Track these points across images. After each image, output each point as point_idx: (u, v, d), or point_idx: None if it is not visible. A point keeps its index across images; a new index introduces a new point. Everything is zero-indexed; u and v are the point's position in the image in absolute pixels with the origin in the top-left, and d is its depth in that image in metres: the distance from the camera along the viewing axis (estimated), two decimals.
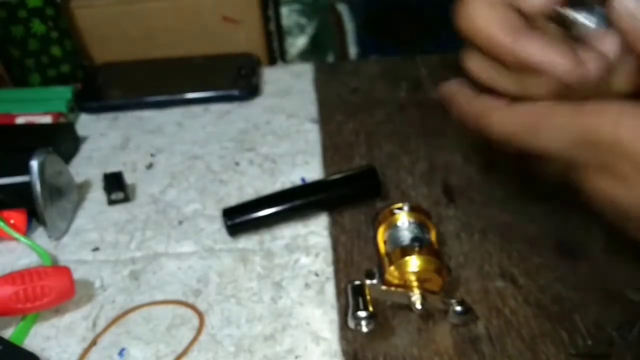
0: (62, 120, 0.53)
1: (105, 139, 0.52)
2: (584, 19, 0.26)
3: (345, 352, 0.32)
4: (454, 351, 0.32)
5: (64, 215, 0.42)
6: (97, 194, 0.46)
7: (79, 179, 0.47)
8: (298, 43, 0.67)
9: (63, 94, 0.55)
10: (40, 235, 0.42)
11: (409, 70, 0.59)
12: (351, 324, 0.33)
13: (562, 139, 0.26)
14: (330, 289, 0.36)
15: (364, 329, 0.33)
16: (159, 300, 0.36)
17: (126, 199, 0.44)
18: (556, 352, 0.31)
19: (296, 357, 0.32)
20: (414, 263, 0.32)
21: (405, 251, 0.33)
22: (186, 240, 0.41)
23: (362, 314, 0.32)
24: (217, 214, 0.42)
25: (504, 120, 0.29)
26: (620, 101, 0.25)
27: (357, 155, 0.48)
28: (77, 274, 0.38)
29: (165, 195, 0.45)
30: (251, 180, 0.46)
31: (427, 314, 0.33)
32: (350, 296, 0.34)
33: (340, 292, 0.36)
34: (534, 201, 0.41)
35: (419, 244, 0.33)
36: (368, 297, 0.33)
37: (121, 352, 0.33)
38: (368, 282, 0.34)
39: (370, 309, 0.32)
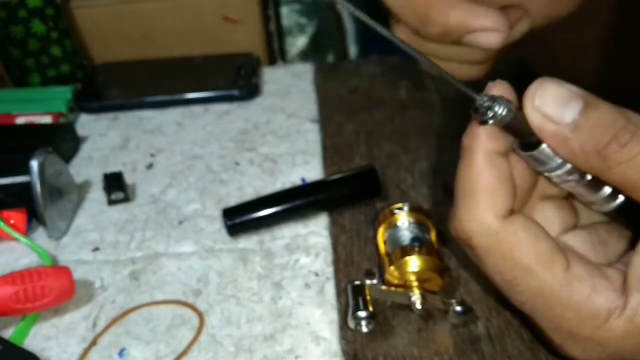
0: (62, 120, 0.53)
1: (105, 139, 0.52)
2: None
3: (345, 352, 0.32)
4: (454, 351, 0.32)
5: (64, 215, 0.42)
6: (97, 194, 0.46)
7: (79, 179, 0.47)
8: (298, 43, 0.67)
9: (63, 94, 0.55)
10: (40, 235, 0.42)
11: (409, 70, 0.59)
12: (351, 324, 0.33)
13: None
14: (330, 289, 0.36)
15: (364, 329, 0.33)
16: (159, 300, 0.36)
17: (126, 199, 0.44)
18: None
19: (296, 357, 0.32)
20: (414, 263, 0.32)
21: (405, 251, 0.33)
22: (186, 240, 0.41)
23: (362, 314, 0.32)
24: (217, 214, 0.42)
25: None
26: None
27: (357, 155, 0.48)
28: (77, 274, 0.38)
29: (165, 195, 0.45)
30: (251, 180, 0.46)
31: (427, 314, 0.33)
32: (350, 296, 0.34)
33: (340, 292, 0.36)
34: None
35: (419, 244, 0.33)
36: (368, 297, 0.33)
37: (121, 352, 0.33)
38: (368, 282, 0.34)
39: (370, 309, 0.32)
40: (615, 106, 0.24)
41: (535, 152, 0.25)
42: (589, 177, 0.26)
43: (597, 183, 0.26)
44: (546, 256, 0.25)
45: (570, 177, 0.26)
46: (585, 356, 0.26)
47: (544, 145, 0.25)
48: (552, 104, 0.24)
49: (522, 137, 0.26)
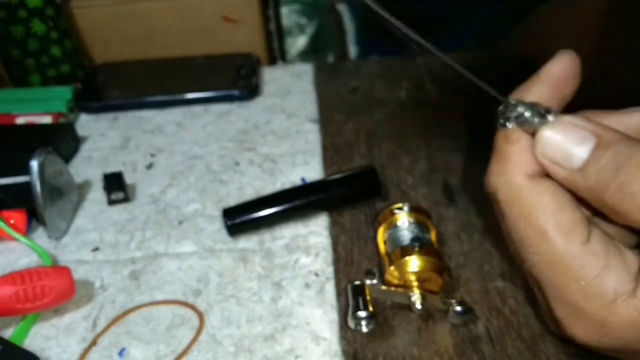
0: (62, 120, 0.53)
1: (105, 139, 0.52)
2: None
3: (345, 352, 0.32)
4: (454, 351, 0.32)
5: (64, 215, 0.42)
6: (97, 194, 0.46)
7: (79, 179, 0.47)
8: (298, 43, 0.67)
9: (63, 94, 0.55)
10: (40, 235, 0.42)
11: (409, 70, 0.59)
12: (351, 324, 0.33)
13: None
14: (330, 289, 0.36)
15: (364, 329, 0.33)
16: (159, 300, 0.36)
17: (126, 199, 0.44)
18: (556, 352, 0.31)
19: (296, 357, 0.32)
20: (414, 263, 0.32)
21: (405, 251, 0.33)
22: (186, 240, 0.41)
23: (362, 314, 0.32)
24: (217, 214, 0.42)
25: None
26: None
27: (357, 155, 0.48)
28: (77, 274, 0.38)
29: (165, 195, 0.45)
30: (251, 180, 0.46)
31: (427, 314, 0.33)
32: (350, 296, 0.34)
33: (340, 292, 0.36)
34: None
35: (419, 244, 0.33)
36: (368, 297, 0.33)
37: (121, 352, 0.33)
38: (368, 282, 0.34)
39: (370, 309, 0.32)
40: (629, 141, 0.23)
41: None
42: None
43: None
44: (567, 225, 0.25)
45: None
46: (586, 337, 0.26)
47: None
48: (559, 154, 0.25)
49: None
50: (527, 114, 0.25)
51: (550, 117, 0.25)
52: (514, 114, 0.26)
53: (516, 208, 0.26)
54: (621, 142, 0.23)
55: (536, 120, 0.25)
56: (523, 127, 0.26)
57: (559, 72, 0.27)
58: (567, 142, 0.24)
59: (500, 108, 0.26)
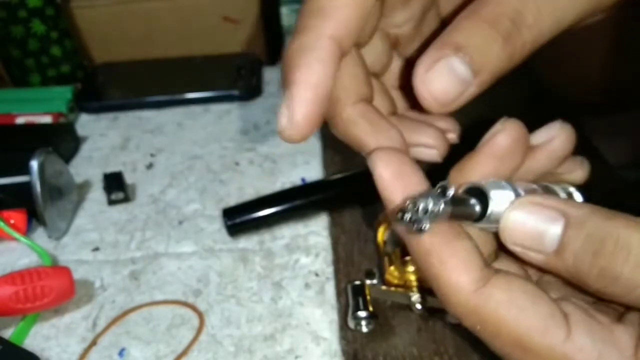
0: (62, 120, 0.53)
1: (105, 139, 0.52)
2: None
3: (345, 352, 0.32)
4: (454, 351, 0.32)
5: (64, 215, 0.42)
6: (97, 194, 0.46)
7: (79, 179, 0.47)
8: None
9: (63, 94, 0.55)
10: (40, 235, 0.42)
11: None
12: (351, 324, 0.33)
13: None
14: (330, 289, 0.36)
15: (364, 329, 0.33)
16: (159, 300, 0.36)
17: (126, 199, 0.44)
18: None
19: (296, 357, 0.32)
20: (414, 263, 0.32)
21: (406, 251, 0.33)
22: (186, 240, 0.41)
23: (362, 314, 0.32)
24: (217, 214, 0.42)
25: None
26: None
27: (357, 155, 0.48)
28: (77, 274, 0.38)
29: (165, 195, 0.45)
30: (251, 180, 0.46)
31: (427, 314, 0.33)
32: (350, 296, 0.34)
33: (340, 292, 0.36)
34: None
35: None
36: (368, 297, 0.33)
37: (121, 352, 0.33)
38: (368, 282, 0.34)
39: (370, 308, 0.32)
40: (600, 216, 0.21)
41: (484, 223, 0.22)
42: None
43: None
44: (538, 326, 0.21)
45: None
46: None
47: (490, 212, 0.22)
48: (529, 239, 0.22)
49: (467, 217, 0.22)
50: (436, 205, 0.20)
51: (473, 200, 0.22)
52: (420, 211, 0.20)
53: (486, 330, 0.22)
54: (592, 220, 0.21)
55: (445, 207, 0.20)
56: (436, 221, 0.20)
57: (506, 144, 0.24)
58: (537, 224, 0.22)
59: (399, 215, 0.21)
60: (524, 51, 0.21)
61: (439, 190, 0.20)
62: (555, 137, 0.25)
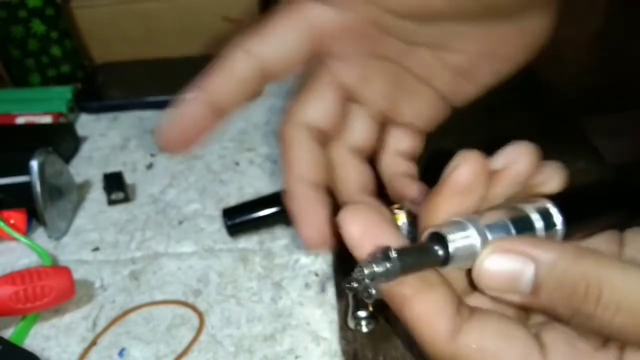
0: (62, 120, 0.53)
1: (105, 139, 0.52)
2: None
3: (345, 352, 0.32)
4: None
5: (64, 215, 0.42)
6: (97, 194, 0.46)
7: (79, 179, 0.47)
8: None
9: (63, 94, 0.55)
10: (40, 235, 0.42)
11: None
12: (351, 324, 0.33)
13: None
14: (330, 289, 0.36)
15: (364, 329, 0.33)
16: (159, 300, 0.36)
17: (126, 199, 0.44)
18: None
19: (296, 357, 0.32)
20: None
21: None
22: (186, 240, 0.41)
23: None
24: (217, 214, 0.42)
25: None
26: None
27: None
28: (77, 274, 0.38)
29: (165, 195, 0.45)
30: (251, 180, 0.46)
31: None
32: (351, 296, 0.34)
33: (340, 292, 0.36)
34: None
35: None
36: None
37: (121, 352, 0.33)
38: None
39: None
40: (572, 255, 0.21)
41: (452, 265, 0.22)
42: None
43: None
44: None
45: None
46: None
47: (451, 245, 0.22)
48: (504, 284, 0.22)
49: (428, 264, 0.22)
50: (381, 268, 0.20)
51: (436, 247, 0.22)
52: (367, 277, 0.20)
53: None
54: (561, 262, 0.21)
55: (391, 269, 0.20)
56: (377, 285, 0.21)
57: (466, 179, 0.23)
58: (509, 270, 0.22)
59: (348, 285, 0.21)
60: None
61: (380, 254, 0.21)
62: (516, 160, 0.25)
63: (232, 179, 0.46)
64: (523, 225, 0.23)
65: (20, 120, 0.52)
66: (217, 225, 0.42)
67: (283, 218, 0.41)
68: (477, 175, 0.23)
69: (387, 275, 0.20)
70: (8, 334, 0.34)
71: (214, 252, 0.39)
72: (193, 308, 0.35)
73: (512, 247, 0.22)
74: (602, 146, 0.43)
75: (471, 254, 0.22)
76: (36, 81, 0.60)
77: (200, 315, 0.35)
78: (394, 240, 0.23)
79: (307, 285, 0.36)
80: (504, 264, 0.22)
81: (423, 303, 0.22)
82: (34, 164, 0.39)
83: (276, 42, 0.27)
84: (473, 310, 0.22)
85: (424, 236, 0.23)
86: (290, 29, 0.27)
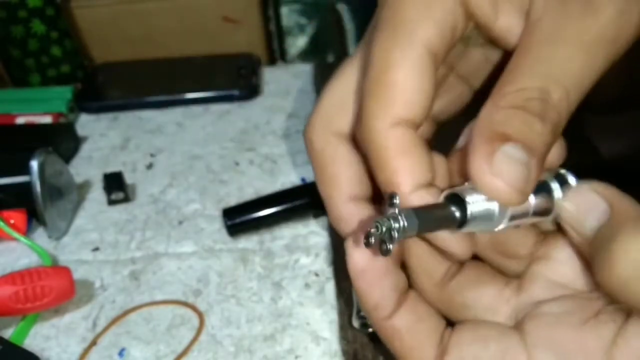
0: (62, 120, 0.53)
1: (105, 139, 0.52)
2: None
3: (345, 352, 0.32)
4: None
5: (64, 215, 0.42)
6: (97, 194, 0.46)
7: (79, 179, 0.47)
8: (298, 43, 0.67)
9: (63, 94, 0.55)
10: (40, 235, 0.42)
11: None
12: (356, 323, 0.33)
13: None
14: (330, 289, 0.36)
15: (369, 329, 0.33)
16: (159, 300, 0.36)
17: (126, 199, 0.44)
18: None
19: (296, 357, 0.32)
20: None
21: None
22: (186, 240, 0.41)
23: None
24: (217, 214, 0.42)
25: None
26: None
27: None
28: (77, 274, 0.38)
29: (165, 195, 0.45)
30: (251, 180, 0.46)
31: None
32: (355, 296, 0.34)
33: (340, 292, 0.36)
34: None
35: None
36: None
37: (121, 352, 0.33)
38: None
39: None
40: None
41: (469, 220, 0.22)
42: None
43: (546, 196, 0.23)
44: None
45: (530, 203, 0.22)
46: None
47: (469, 208, 0.21)
48: (573, 214, 0.22)
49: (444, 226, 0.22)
50: (398, 223, 0.20)
51: (452, 207, 0.22)
52: (384, 232, 0.20)
53: None
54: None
55: (408, 224, 0.20)
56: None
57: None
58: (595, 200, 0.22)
59: (364, 241, 0.21)
60: (563, 120, 0.22)
61: (396, 209, 0.20)
62: None
63: (232, 179, 0.46)
64: (540, 188, 0.23)
65: (20, 120, 0.52)
66: (217, 225, 0.42)
67: (283, 218, 0.41)
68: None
69: (404, 232, 0.20)
70: (8, 334, 0.34)
71: (214, 252, 0.39)
72: (193, 308, 0.35)
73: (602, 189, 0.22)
74: (602, 146, 0.43)
75: (489, 218, 0.22)
76: (36, 81, 0.60)
77: (200, 315, 0.35)
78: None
79: (307, 285, 0.36)
80: (592, 193, 0.22)
81: (414, 336, 0.23)
82: (34, 164, 0.39)
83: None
84: (453, 330, 0.23)
85: (442, 196, 0.23)
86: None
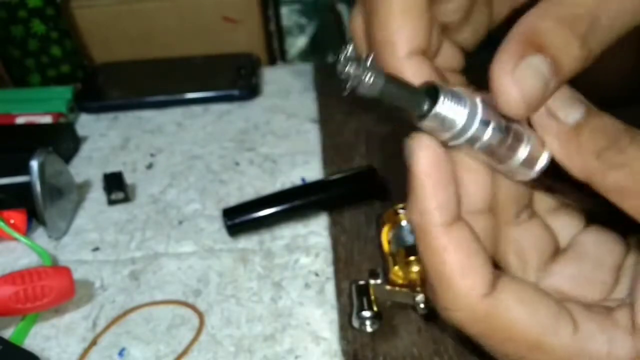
0: (62, 120, 0.53)
1: (105, 139, 0.52)
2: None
3: (345, 352, 0.32)
4: (454, 351, 0.31)
5: (64, 215, 0.42)
6: (97, 194, 0.46)
7: (79, 179, 0.47)
8: (298, 43, 0.67)
9: (63, 94, 0.55)
10: (40, 235, 0.42)
11: None
12: (355, 323, 0.33)
13: None
14: (330, 289, 0.36)
15: (369, 329, 0.33)
16: (159, 300, 0.36)
17: (126, 199, 0.44)
18: None
19: (296, 357, 0.32)
20: (418, 263, 0.32)
21: (410, 251, 0.33)
22: (186, 240, 0.41)
23: (366, 313, 0.32)
24: (217, 214, 0.42)
25: None
26: None
27: (357, 155, 0.48)
28: (77, 274, 0.38)
29: (165, 195, 0.45)
30: (251, 180, 0.46)
31: (431, 314, 0.33)
32: (355, 296, 0.34)
33: (340, 292, 0.36)
34: None
35: None
36: (372, 297, 0.33)
37: (121, 352, 0.33)
38: (372, 281, 0.34)
39: (375, 308, 0.32)
40: (614, 118, 0.21)
41: (432, 114, 0.21)
42: (506, 131, 0.21)
43: (515, 141, 0.22)
44: (549, 325, 0.22)
45: (486, 137, 0.21)
46: None
47: (439, 104, 0.21)
48: (559, 103, 0.21)
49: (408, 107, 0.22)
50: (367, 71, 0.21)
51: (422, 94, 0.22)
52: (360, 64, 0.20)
53: (496, 336, 0.22)
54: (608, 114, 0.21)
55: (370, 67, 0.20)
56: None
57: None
58: (570, 96, 0.22)
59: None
60: (597, 53, 0.21)
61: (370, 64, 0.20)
62: None
63: (232, 179, 0.46)
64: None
65: (20, 120, 0.52)
66: (217, 225, 0.42)
67: (283, 218, 0.41)
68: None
69: (368, 79, 0.20)
70: (8, 334, 0.34)
71: (214, 252, 0.39)
72: (193, 308, 0.35)
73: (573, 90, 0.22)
74: None
75: (448, 127, 0.21)
76: (36, 81, 0.60)
77: (200, 315, 0.35)
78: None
79: (307, 285, 0.36)
80: (567, 90, 0.22)
81: (466, 252, 0.21)
82: (34, 164, 0.39)
83: None
84: (499, 274, 0.22)
85: (422, 83, 0.22)
86: None
